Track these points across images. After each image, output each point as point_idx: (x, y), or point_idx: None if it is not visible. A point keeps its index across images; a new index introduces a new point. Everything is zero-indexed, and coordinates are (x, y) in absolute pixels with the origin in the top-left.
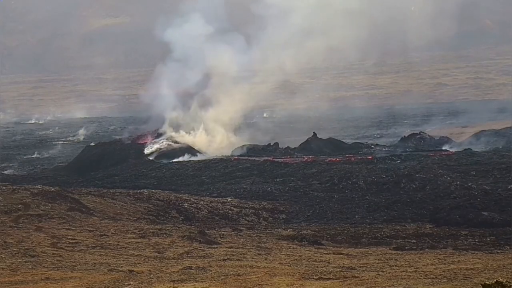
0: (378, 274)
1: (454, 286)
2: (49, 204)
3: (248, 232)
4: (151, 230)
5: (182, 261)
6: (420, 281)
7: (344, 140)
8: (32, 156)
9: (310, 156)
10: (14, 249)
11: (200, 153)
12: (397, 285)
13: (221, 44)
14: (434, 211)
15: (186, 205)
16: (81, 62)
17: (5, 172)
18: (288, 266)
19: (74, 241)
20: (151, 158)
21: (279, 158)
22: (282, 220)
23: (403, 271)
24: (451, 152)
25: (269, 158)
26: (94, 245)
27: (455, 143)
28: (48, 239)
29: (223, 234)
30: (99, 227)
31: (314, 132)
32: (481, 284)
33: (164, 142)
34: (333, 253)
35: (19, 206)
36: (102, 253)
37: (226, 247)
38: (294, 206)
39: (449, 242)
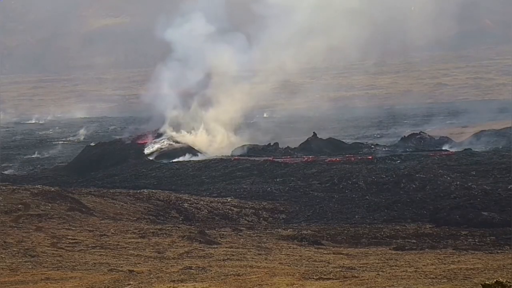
0: (378, 274)
1: (454, 286)
2: (49, 204)
3: (248, 232)
4: (151, 230)
5: (182, 261)
6: (420, 281)
7: (344, 140)
8: (32, 156)
9: (310, 156)
10: (14, 249)
11: (200, 153)
12: (397, 285)
13: (221, 44)
14: (434, 211)
15: (186, 205)
16: (81, 62)
17: (5, 172)
18: (288, 266)
19: (74, 241)
20: (151, 158)
21: (279, 158)
22: (282, 220)
23: (403, 271)
24: (451, 152)
25: (269, 158)
26: (94, 245)
27: (455, 143)
28: (48, 239)
29: (223, 234)
30: (99, 227)
31: (314, 132)
32: (481, 284)
33: (165, 142)
34: (333, 253)
35: (19, 206)
36: (102, 253)
37: (226, 247)
38: (294, 206)
39: (449, 242)
